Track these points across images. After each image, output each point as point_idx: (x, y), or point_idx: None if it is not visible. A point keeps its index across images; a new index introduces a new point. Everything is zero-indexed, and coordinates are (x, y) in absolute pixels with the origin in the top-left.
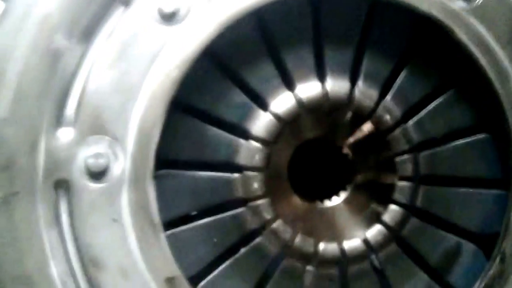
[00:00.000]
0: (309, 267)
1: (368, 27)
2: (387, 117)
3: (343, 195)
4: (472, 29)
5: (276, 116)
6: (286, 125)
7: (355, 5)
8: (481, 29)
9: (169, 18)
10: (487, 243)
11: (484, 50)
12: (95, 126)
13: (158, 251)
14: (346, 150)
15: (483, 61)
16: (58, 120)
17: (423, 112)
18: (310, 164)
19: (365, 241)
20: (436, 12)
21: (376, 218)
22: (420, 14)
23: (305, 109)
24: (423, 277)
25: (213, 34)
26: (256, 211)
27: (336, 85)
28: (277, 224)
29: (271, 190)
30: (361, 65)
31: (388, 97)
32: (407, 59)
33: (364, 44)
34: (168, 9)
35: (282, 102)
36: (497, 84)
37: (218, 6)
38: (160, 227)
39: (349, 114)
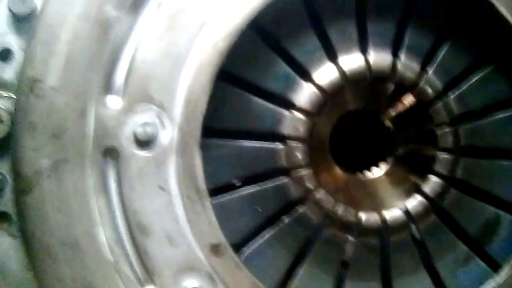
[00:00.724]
0: (350, 237)
1: (411, 0)
2: (429, 89)
3: (384, 166)
4: None
5: (319, 88)
6: (329, 96)
7: None
8: None
9: None
10: None
11: None
12: (143, 95)
13: (203, 218)
14: (387, 122)
15: None
16: (107, 89)
17: (464, 85)
18: (352, 136)
19: (406, 212)
20: None
21: (416, 189)
22: None
23: (347, 81)
24: (462, 247)
25: (258, 7)
26: (299, 181)
27: (378, 58)
28: (320, 194)
29: (313, 160)
30: (404, 38)
31: (430, 70)
32: (449, 33)
33: (407, 18)
34: None
35: (325, 74)
36: None
37: None
38: (205, 194)
39: (391, 87)
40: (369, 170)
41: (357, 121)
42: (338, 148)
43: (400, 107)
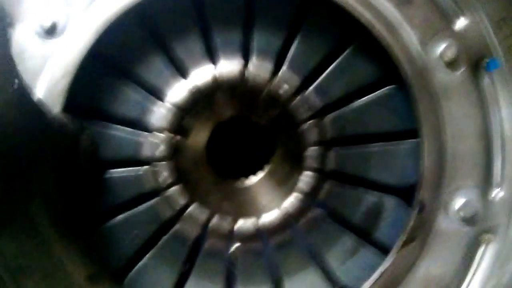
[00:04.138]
0: (232, 245)
1: (252, 1)
2: (285, 86)
3: (261, 171)
4: None
5: (175, 105)
6: (186, 112)
7: None
8: None
9: (50, 31)
10: (408, 194)
11: (367, 5)
12: None
13: None
14: (263, 125)
15: (368, 15)
16: None
17: (321, 76)
18: (230, 144)
19: (283, 211)
20: None
21: (293, 187)
22: None
23: (200, 94)
24: (350, 236)
25: (93, 39)
26: (169, 199)
27: (229, 65)
28: (192, 208)
29: (186, 175)
30: (252, 41)
31: (284, 67)
32: (298, 26)
33: (252, 20)
34: (47, 24)
35: (178, 91)
36: (387, 36)
37: (95, 12)
38: None
39: (250, 91)
40: (249, 175)
41: (233, 129)
42: (216, 158)
43: (262, 109)
